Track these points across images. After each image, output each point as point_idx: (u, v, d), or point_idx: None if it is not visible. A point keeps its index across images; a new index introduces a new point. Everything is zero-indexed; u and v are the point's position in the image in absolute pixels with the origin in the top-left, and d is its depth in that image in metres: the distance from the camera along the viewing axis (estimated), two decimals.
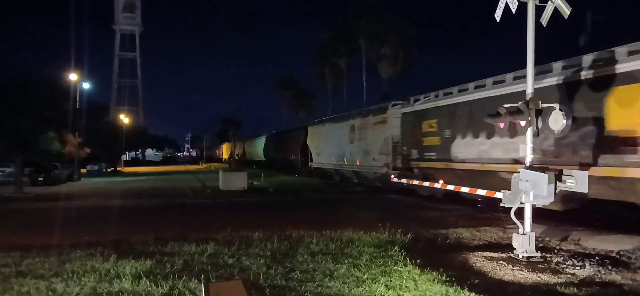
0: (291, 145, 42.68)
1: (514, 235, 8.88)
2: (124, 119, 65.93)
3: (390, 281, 6.94)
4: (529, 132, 8.85)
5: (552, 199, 8.53)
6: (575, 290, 6.63)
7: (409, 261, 8.05)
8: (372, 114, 23.79)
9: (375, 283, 6.80)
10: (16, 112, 24.17)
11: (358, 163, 24.92)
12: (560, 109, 8.67)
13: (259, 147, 59.95)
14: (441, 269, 7.48)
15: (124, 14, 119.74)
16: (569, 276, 7.47)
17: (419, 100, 19.42)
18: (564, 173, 8.55)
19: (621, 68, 9.99)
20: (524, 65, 9.18)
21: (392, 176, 20.14)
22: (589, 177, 8.60)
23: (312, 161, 34.34)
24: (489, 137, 14.16)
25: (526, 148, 8.91)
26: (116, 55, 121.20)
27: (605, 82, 10.24)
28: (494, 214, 12.32)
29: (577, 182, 8.33)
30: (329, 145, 30.36)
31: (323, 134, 31.99)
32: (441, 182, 16.72)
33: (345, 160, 27.04)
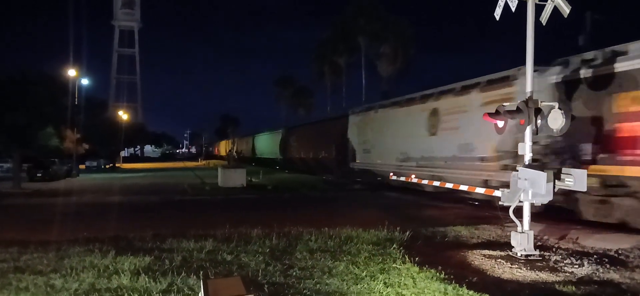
0: (322, 140, 33.26)
1: (513, 234, 8.89)
2: (123, 115, 65.85)
3: (389, 278, 6.95)
4: (528, 131, 8.85)
5: (551, 198, 8.53)
6: (574, 288, 6.64)
7: (407, 259, 8.06)
8: (478, 89, 15.58)
9: (373, 281, 6.81)
10: (14, 108, 24.14)
11: (444, 164, 17.12)
12: (559, 108, 8.67)
13: (272, 143, 50.11)
14: (439, 267, 7.49)
15: (123, 10, 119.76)
16: (567, 274, 7.48)
17: (594, 59, 11.48)
18: (562, 171, 8.56)
19: None
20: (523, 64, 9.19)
21: (392, 174, 19.88)
22: None
23: (355, 160, 25.92)
24: None
25: (525, 147, 8.92)
26: (115, 51, 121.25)
27: None
28: (493, 212, 12.33)
29: (575, 180, 8.34)
30: (386, 138, 22.05)
31: (376, 123, 23.37)
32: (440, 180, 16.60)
33: (416, 159, 19.11)
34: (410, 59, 51.54)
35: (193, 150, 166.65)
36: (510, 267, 7.87)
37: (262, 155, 55.95)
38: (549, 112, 8.75)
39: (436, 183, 16.67)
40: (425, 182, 17.83)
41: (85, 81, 44.68)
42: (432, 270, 7.33)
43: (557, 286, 6.80)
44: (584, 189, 8.45)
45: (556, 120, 8.66)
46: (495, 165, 14.40)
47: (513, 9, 8.79)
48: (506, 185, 12.13)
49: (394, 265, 7.73)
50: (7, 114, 24.07)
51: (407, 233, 10.19)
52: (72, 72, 35.83)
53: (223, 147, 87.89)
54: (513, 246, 8.79)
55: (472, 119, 15.32)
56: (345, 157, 27.36)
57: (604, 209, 11.05)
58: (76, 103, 37.43)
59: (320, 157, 33.46)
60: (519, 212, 8.91)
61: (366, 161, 24.49)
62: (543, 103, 8.90)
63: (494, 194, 13.18)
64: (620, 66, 10.55)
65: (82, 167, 48.74)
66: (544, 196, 8.43)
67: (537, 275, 7.43)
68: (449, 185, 16.30)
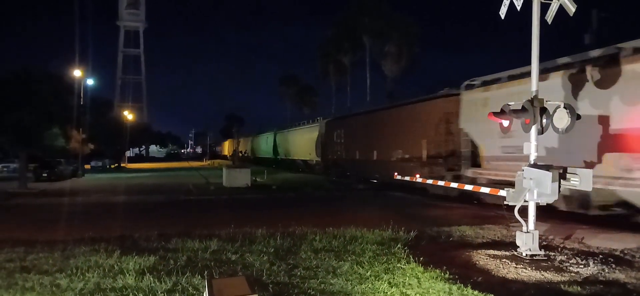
0: (398, 134, 22.42)
1: (518, 233, 8.85)
2: (128, 115, 66.08)
3: (394, 278, 6.94)
4: (533, 130, 8.82)
5: (556, 197, 8.50)
6: (579, 288, 6.61)
7: (412, 259, 8.05)
8: None
9: (378, 281, 6.81)
10: (19, 106, 24.25)
11: None
12: (564, 107, 8.63)
13: (304, 141, 39.23)
14: (444, 267, 7.48)
15: (128, 11, 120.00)
16: (572, 274, 7.45)
17: None
18: (568, 171, 8.51)
19: None
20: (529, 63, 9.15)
21: (395, 173, 19.83)
22: None
23: (476, 165, 16.20)
24: None
25: (530, 146, 8.88)
26: (120, 51, 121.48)
27: None
28: (498, 212, 12.30)
29: (581, 180, 8.30)
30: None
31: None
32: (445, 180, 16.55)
33: None
34: (415, 58, 51.51)
35: (198, 150, 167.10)
36: (516, 267, 7.84)
37: (287, 155, 45.54)
38: (555, 111, 8.72)
39: None
40: None
41: (90, 81, 44.89)
42: (437, 270, 7.31)
43: (562, 286, 6.76)
44: (590, 188, 8.40)
45: (562, 120, 8.63)
46: None
47: (518, 8, 8.76)
48: None
49: (398, 265, 7.72)
50: (13, 113, 24.18)
51: (412, 232, 10.18)
52: (77, 72, 36.00)
53: (228, 147, 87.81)
54: (518, 246, 8.76)
55: None
56: (453, 159, 17.61)
57: None
58: (82, 103, 37.56)
59: (393, 159, 22.31)
60: (524, 211, 8.89)
61: (510, 169, 13.28)
62: (548, 102, 8.86)
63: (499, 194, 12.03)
64: None
65: (87, 167, 48.96)
66: (550, 196, 8.39)
67: (543, 275, 7.40)
68: None
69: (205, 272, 7.14)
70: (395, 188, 21.70)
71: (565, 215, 12.26)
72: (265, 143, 55.84)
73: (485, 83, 16.13)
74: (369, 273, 7.21)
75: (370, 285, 6.63)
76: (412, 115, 21.73)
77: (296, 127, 44.52)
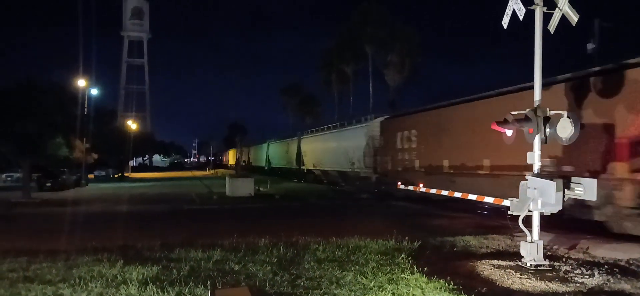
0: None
1: (522, 243, 8.81)
2: (132, 125, 66.25)
3: (397, 289, 6.90)
4: (537, 140, 8.80)
5: (560, 207, 8.46)
6: None
7: (416, 269, 8.01)
8: None
9: (382, 291, 6.77)
10: (23, 116, 24.35)
11: None
12: (568, 116, 8.61)
13: (343, 148, 30.17)
14: (448, 277, 7.43)
15: (132, 21, 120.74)
16: (577, 285, 7.39)
17: None
18: (572, 180, 8.48)
19: None
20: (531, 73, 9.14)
21: (399, 183, 19.84)
22: None
23: None
24: None
25: (534, 156, 8.86)
26: (124, 61, 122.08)
27: None
28: (502, 222, 12.24)
29: (585, 189, 8.26)
30: None
31: None
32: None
33: None
34: (417, 67, 51.59)
35: (202, 159, 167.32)
36: (520, 277, 7.79)
37: (317, 165, 36.13)
38: (558, 121, 8.70)
39: None
40: None
41: (94, 91, 45.09)
42: (441, 281, 7.27)
43: None
44: (594, 198, 8.36)
45: (565, 129, 8.61)
46: None
47: (521, 18, 8.77)
48: None
49: (402, 275, 7.68)
50: (17, 123, 24.28)
51: (416, 242, 10.13)
52: (81, 82, 36.16)
53: (231, 156, 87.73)
54: (522, 256, 8.71)
55: None
56: None
57: None
58: (85, 112, 37.69)
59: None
60: (528, 221, 8.85)
61: None
62: (552, 111, 8.84)
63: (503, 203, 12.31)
64: None
65: (91, 176, 49.05)
66: (554, 205, 8.36)
67: (547, 285, 7.35)
68: None
69: (209, 282, 7.09)
70: (398, 198, 21.65)
71: (570, 224, 12.20)
72: (284, 151, 46.31)
73: None
74: (372, 283, 7.17)
75: None
76: (578, 97, 11.63)
77: (333, 130, 34.14)
